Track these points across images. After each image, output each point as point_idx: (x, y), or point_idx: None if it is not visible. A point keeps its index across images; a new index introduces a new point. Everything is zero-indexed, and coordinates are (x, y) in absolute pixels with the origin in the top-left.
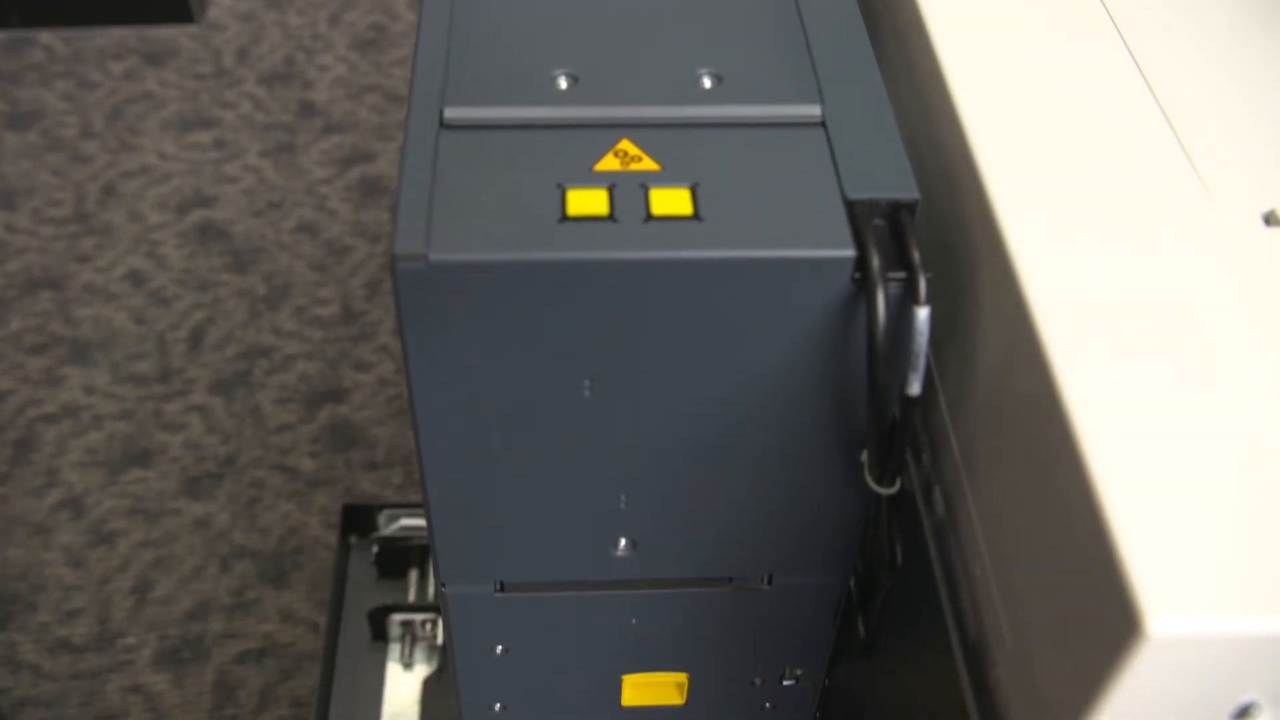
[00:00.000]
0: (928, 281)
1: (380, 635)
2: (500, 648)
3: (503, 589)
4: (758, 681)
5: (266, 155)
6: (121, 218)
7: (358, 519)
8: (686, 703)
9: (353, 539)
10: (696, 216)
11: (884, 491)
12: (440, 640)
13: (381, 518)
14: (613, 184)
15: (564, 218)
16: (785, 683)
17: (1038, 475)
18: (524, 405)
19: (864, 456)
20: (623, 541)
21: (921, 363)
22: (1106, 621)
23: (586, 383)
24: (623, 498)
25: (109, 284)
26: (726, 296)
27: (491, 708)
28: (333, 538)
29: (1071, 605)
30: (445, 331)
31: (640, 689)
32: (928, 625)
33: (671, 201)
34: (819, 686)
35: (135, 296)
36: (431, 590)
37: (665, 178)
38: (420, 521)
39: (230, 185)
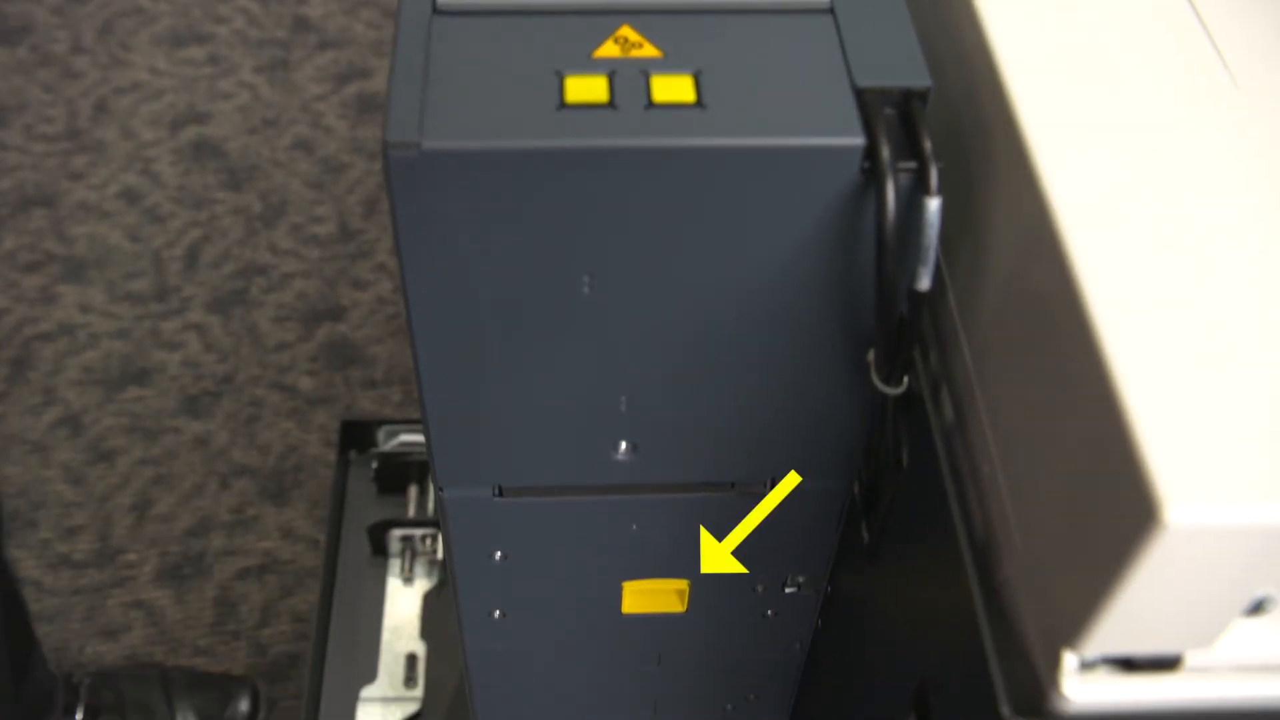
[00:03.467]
0: (939, 172)
1: (380, 550)
2: (499, 554)
3: (501, 494)
4: (759, 589)
5: (261, 71)
6: (114, 134)
7: (357, 435)
8: (687, 610)
9: (352, 455)
10: (699, 104)
11: (891, 391)
12: (440, 555)
13: (380, 433)
14: (613, 71)
15: (562, 105)
16: (787, 590)
17: (1053, 370)
18: (521, 302)
19: (870, 356)
20: (623, 445)
21: (932, 256)
22: (1122, 513)
23: (586, 279)
24: (623, 399)
25: (103, 202)
26: (730, 187)
27: (490, 615)
28: (332, 455)
29: (1086, 499)
30: (439, 224)
31: (640, 596)
32: (933, 527)
33: (674, 89)
34: (821, 593)
35: (129, 214)
36: (431, 506)
37: (667, 64)
38: (419, 437)
39: (224, 102)
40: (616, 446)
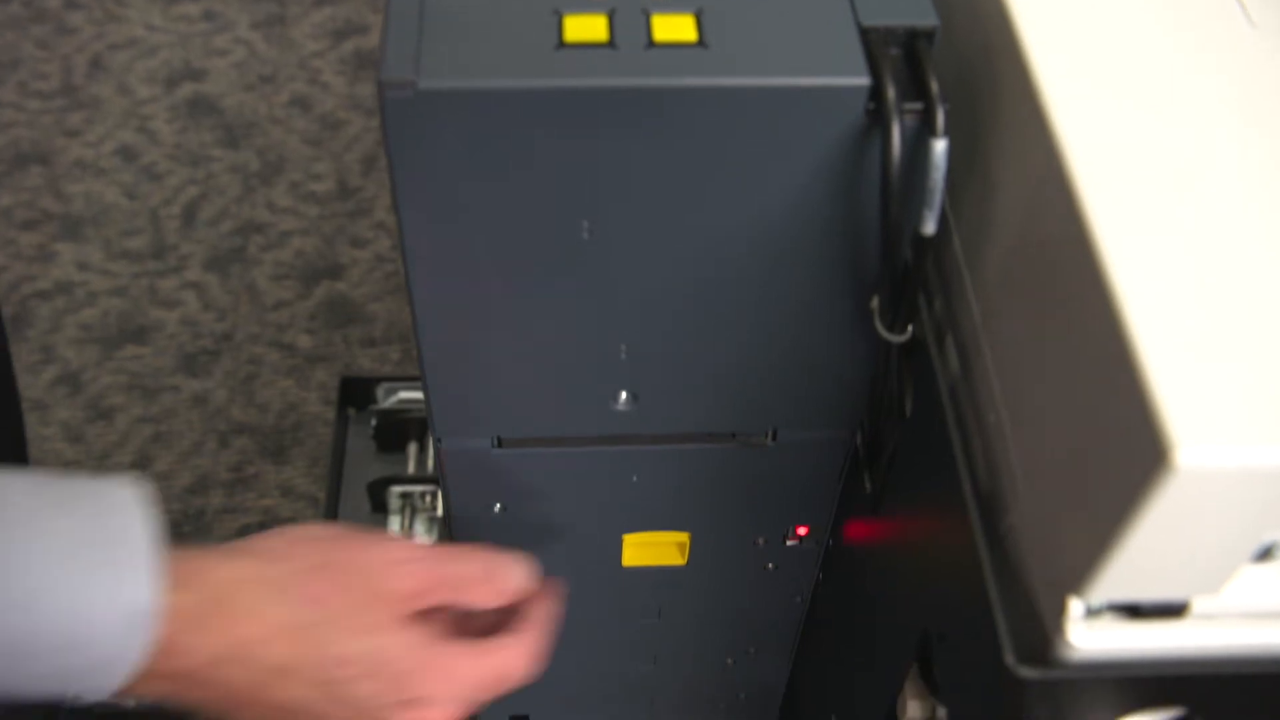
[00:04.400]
0: (946, 113)
1: (379, 508)
2: (498, 506)
3: (500, 444)
4: (760, 541)
5: (257, 28)
6: (110, 91)
7: (356, 393)
8: (687, 563)
9: (351, 412)
10: (701, 43)
11: (895, 339)
12: (440, 512)
13: (380, 391)
14: (612, 9)
15: (561, 44)
16: (788, 543)
17: (1062, 314)
18: (520, 248)
19: (874, 303)
20: (623, 395)
21: (938, 200)
22: (1131, 456)
23: (585, 224)
24: (623, 348)
25: (99, 159)
26: (733, 128)
27: None
28: (331, 414)
29: (1094, 443)
30: (436, 166)
31: (640, 549)
32: (937, 476)
33: (675, 27)
34: (822, 546)
35: (126, 172)
36: (431, 463)
37: (668, 2)
38: (418, 394)
39: (220, 58)
40: (616, 396)
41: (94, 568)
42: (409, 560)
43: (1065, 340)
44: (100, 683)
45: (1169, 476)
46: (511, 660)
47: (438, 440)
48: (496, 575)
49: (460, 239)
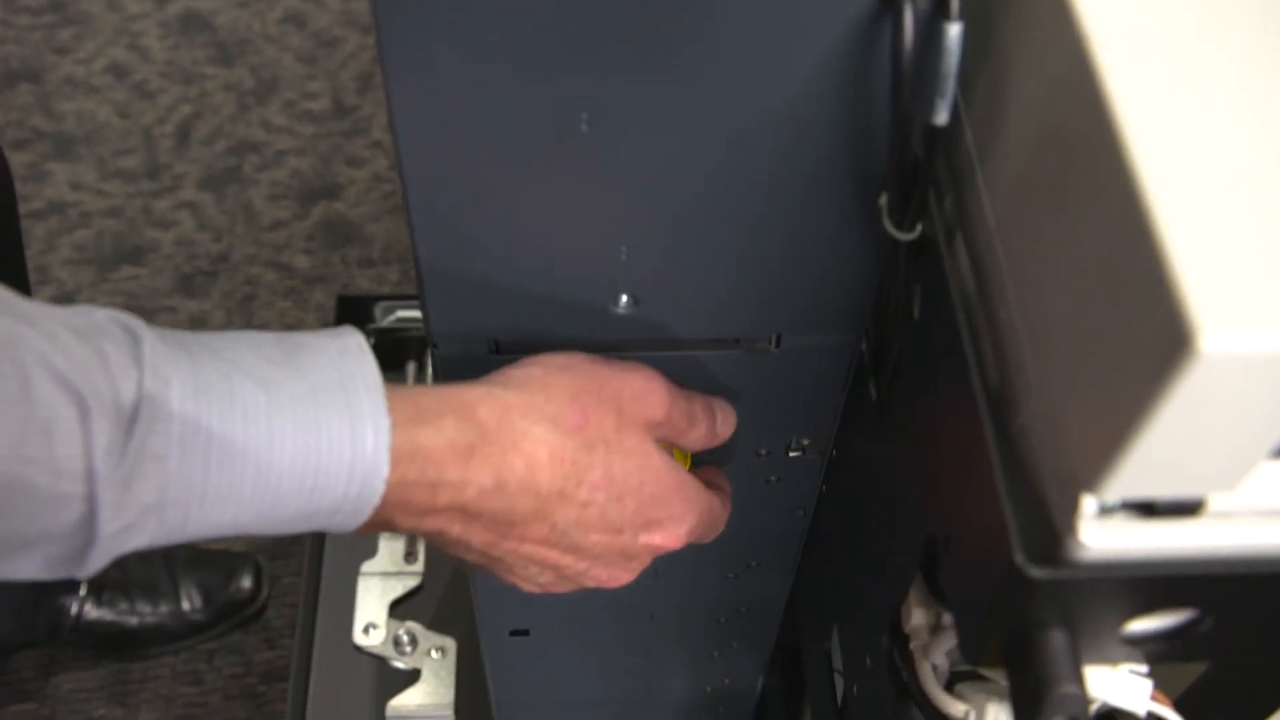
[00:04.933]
0: None
1: None
2: None
3: (498, 350)
4: (762, 452)
5: None
6: (100, 7)
7: (353, 311)
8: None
9: None
10: None
11: (903, 237)
12: None
13: (378, 310)
14: None
15: None
16: (791, 454)
17: (1082, 204)
18: (516, 141)
19: (882, 200)
20: (624, 298)
21: (950, 87)
22: (1152, 344)
23: (584, 115)
24: (623, 248)
25: (90, 77)
26: (737, 10)
27: None
28: None
29: (1111, 333)
30: (429, 53)
31: None
32: (945, 380)
33: None
34: (825, 456)
35: (118, 90)
36: (430, 382)
37: None
38: (417, 313)
39: None
40: (617, 299)
41: (329, 412)
42: (653, 389)
43: (1084, 230)
44: (347, 521)
45: (1192, 363)
46: (720, 508)
47: (433, 346)
48: (719, 421)
49: (456, 129)
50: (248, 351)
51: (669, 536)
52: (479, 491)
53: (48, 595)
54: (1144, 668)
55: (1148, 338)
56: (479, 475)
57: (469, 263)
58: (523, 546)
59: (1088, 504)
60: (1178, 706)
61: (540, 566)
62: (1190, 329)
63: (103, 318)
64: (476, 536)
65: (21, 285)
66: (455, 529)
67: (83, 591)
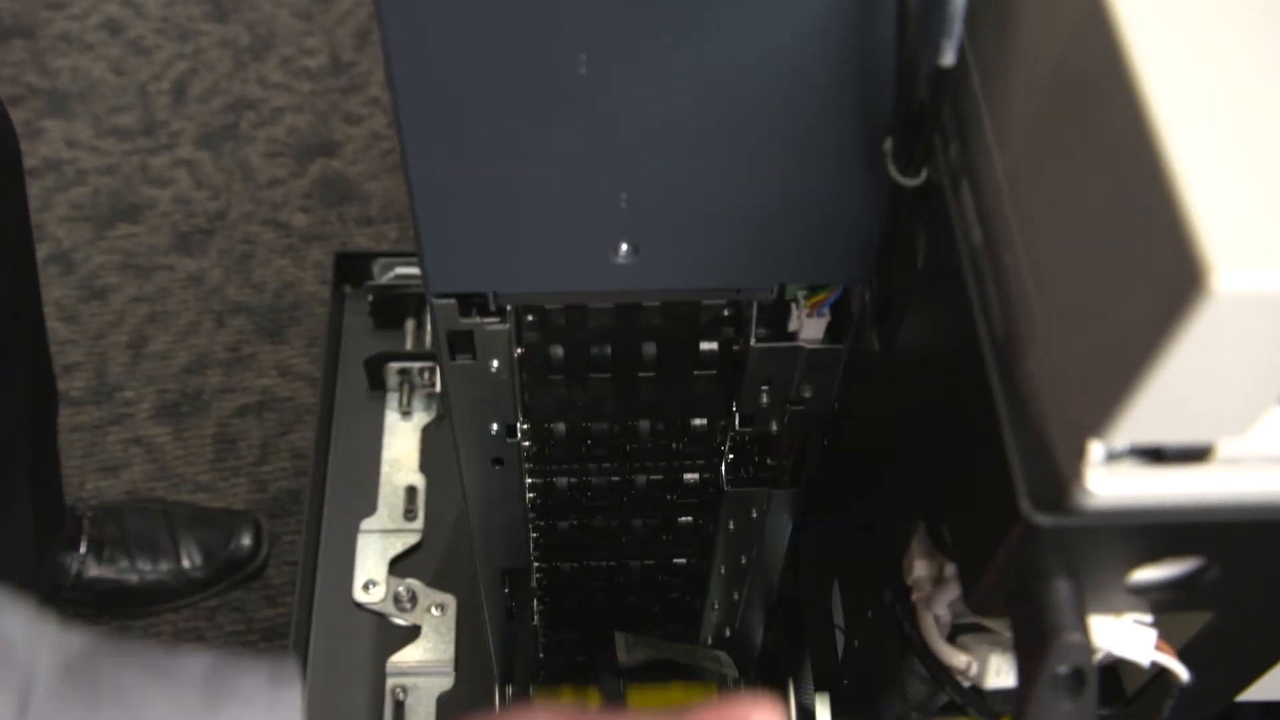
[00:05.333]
0: None
1: (378, 385)
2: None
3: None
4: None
5: None
6: None
7: (352, 269)
8: None
9: (347, 289)
10: None
11: (909, 182)
12: (438, 388)
13: (376, 266)
14: None
15: None
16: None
17: (1093, 145)
18: (514, 83)
19: (887, 145)
20: (624, 246)
21: (957, 27)
22: (1164, 283)
23: (582, 57)
24: (624, 196)
25: (84, 33)
26: None
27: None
28: (328, 293)
29: (1123, 275)
30: None
31: None
32: (949, 329)
33: None
34: (828, 409)
35: (113, 46)
36: (429, 339)
37: None
38: (415, 270)
39: None
40: (617, 248)
41: None
42: None
43: (1095, 171)
44: None
45: (1205, 303)
46: None
47: (431, 296)
48: None
49: (452, 73)
50: (161, 699)
51: None
52: None
53: (49, 553)
54: (1148, 617)
55: (1159, 278)
56: None
57: (466, 211)
58: None
59: (1095, 450)
60: (1182, 656)
61: None
62: (1203, 267)
63: (10, 637)
64: None
65: (26, 249)
66: None
67: (83, 549)
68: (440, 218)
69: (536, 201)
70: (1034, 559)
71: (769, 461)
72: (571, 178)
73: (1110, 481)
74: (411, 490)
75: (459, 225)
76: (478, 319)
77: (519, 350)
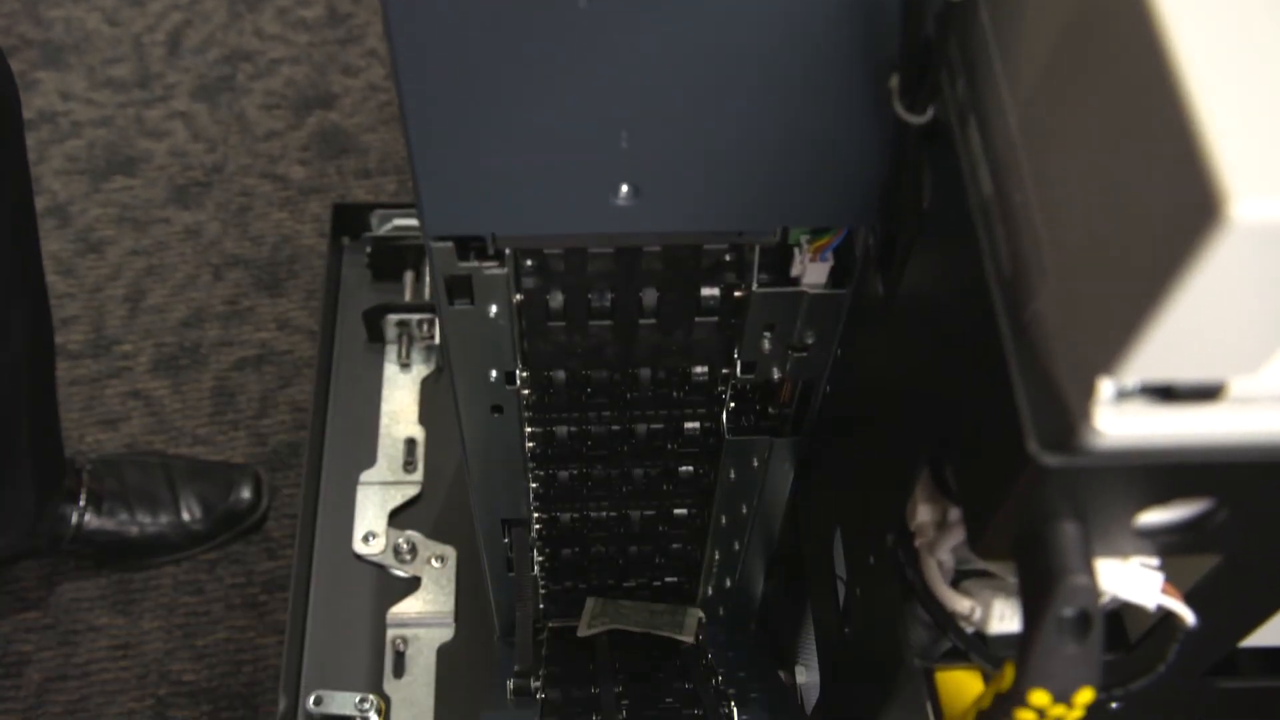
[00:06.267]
0: None
1: (376, 337)
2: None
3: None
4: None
5: None
6: None
7: (350, 220)
8: None
9: (345, 241)
10: None
11: (915, 120)
12: (437, 339)
13: (374, 218)
14: None
15: None
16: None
17: (1106, 74)
18: (512, 19)
19: (893, 83)
20: (624, 188)
21: None
22: (1180, 214)
23: None
24: (624, 135)
25: None
26: None
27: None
28: (326, 246)
29: (1136, 208)
30: None
31: None
32: (955, 270)
33: None
34: (831, 356)
35: None
36: (427, 291)
37: None
38: (414, 221)
39: None
40: (616, 190)
41: None
42: None
43: (1110, 101)
44: None
45: (1222, 231)
46: None
47: (429, 240)
48: None
49: (448, 5)
50: None
51: None
52: None
53: (49, 505)
54: (1155, 561)
55: (1175, 207)
56: None
57: (464, 151)
58: None
59: (1105, 388)
60: (1188, 600)
61: None
62: (1220, 196)
63: None
64: None
65: (26, 198)
66: None
67: (83, 501)
68: (437, 157)
69: (535, 140)
70: (1041, 501)
71: (770, 409)
72: (571, 115)
73: (1119, 421)
74: (411, 442)
75: (456, 165)
76: (476, 263)
77: (518, 296)
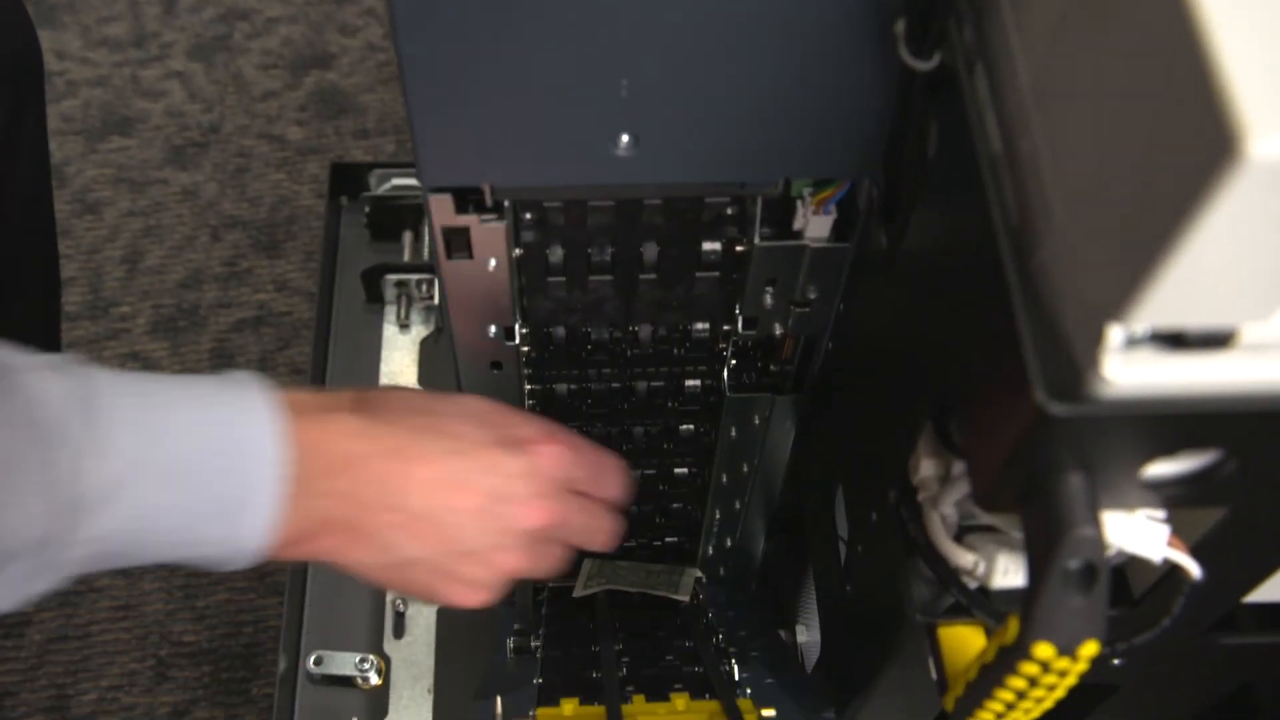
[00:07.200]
0: None
1: (375, 298)
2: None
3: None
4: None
5: None
6: None
7: (348, 180)
8: None
9: (344, 201)
10: None
11: (921, 66)
12: (436, 300)
13: (373, 178)
14: None
15: None
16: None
17: (1119, 15)
18: None
19: (898, 27)
20: (624, 138)
21: None
22: (1194, 153)
23: None
24: (624, 83)
25: None
26: None
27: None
28: (324, 207)
29: (1148, 145)
30: None
31: None
32: (961, 220)
33: None
34: (833, 312)
35: None
36: (426, 251)
37: None
38: (413, 180)
39: None
40: (616, 139)
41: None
42: None
43: (1122, 40)
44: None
45: (1238, 169)
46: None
47: (427, 192)
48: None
49: None
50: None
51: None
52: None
53: None
54: (1161, 513)
55: (1189, 145)
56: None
57: (461, 99)
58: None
59: (1114, 334)
60: (1195, 553)
61: None
62: (1237, 133)
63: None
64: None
65: (44, 170)
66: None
67: None
68: (434, 107)
69: (533, 88)
70: (1047, 451)
71: (771, 366)
72: (570, 63)
73: (1128, 370)
74: None
75: (454, 114)
76: (474, 216)
77: (517, 250)
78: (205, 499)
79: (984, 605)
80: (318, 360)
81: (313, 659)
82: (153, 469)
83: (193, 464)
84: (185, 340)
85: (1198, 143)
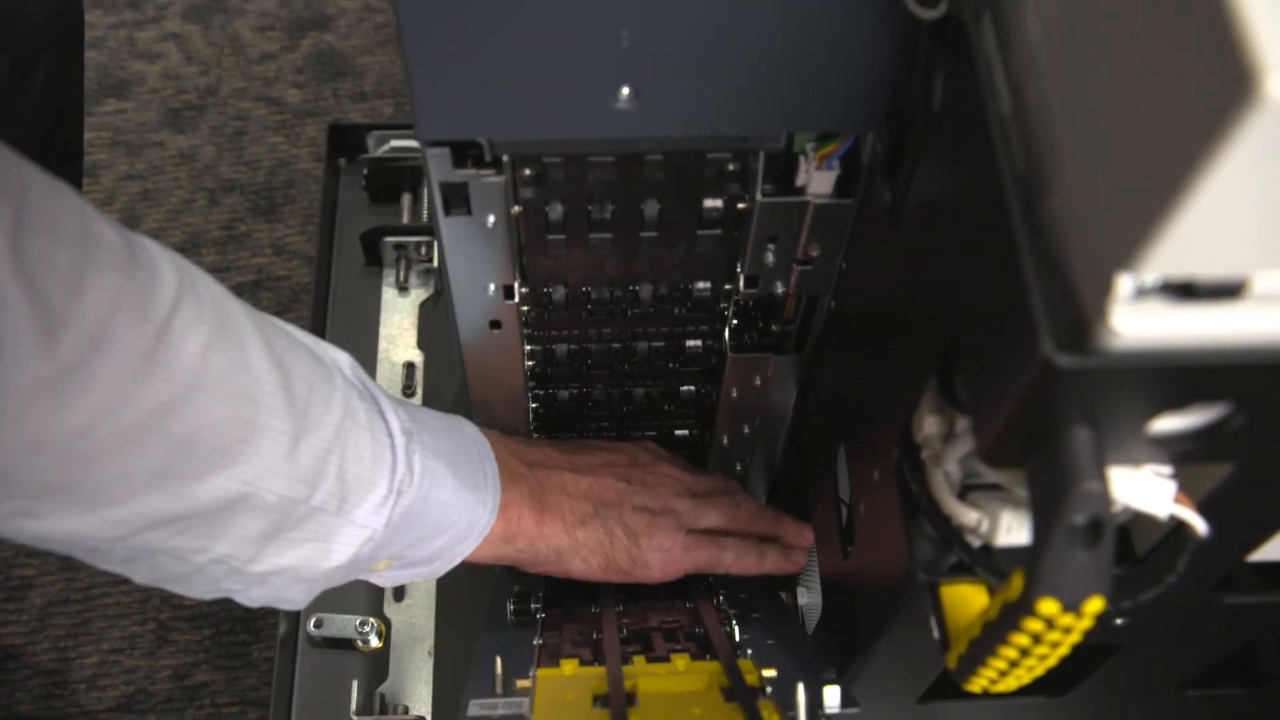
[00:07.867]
0: None
1: (374, 261)
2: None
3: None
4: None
5: None
6: None
7: (345, 142)
8: None
9: (342, 163)
10: None
11: (927, 15)
12: (435, 263)
13: (371, 139)
14: None
15: None
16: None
17: None
18: None
19: None
20: (624, 90)
21: None
22: (1208, 95)
23: None
24: (624, 33)
25: None
26: None
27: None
28: (323, 170)
29: (1160, 93)
30: None
31: None
32: (967, 172)
33: None
34: (836, 270)
35: None
36: (425, 213)
37: None
38: (412, 142)
39: None
40: (617, 92)
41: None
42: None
43: None
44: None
45: (1254, 110)
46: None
47: (424, 146)
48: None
49: None
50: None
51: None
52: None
53: None
54: (1168, 469)
55: (1205, 86)
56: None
57: (459, 51)
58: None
59: (1123, 284)
60: (1201, 510)
61: None
62: (1254, 71)
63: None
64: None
65: (78, 132)
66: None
67: None
68: (432, 58)
69: (532, 38)
70: (1053, 404)
71: (773, 326)
72: (570, 11)
73: (1137, 320)
74: (410, 366)
75: (451, 65)
76: (473, 170)
77: (516, 208)
78: (470, 476)
79: (987, 564)
80: (317, 323)
81: (313, 622)
82: (440, 458)
83: (460, 450)
84: None
85: (1213, 83)
